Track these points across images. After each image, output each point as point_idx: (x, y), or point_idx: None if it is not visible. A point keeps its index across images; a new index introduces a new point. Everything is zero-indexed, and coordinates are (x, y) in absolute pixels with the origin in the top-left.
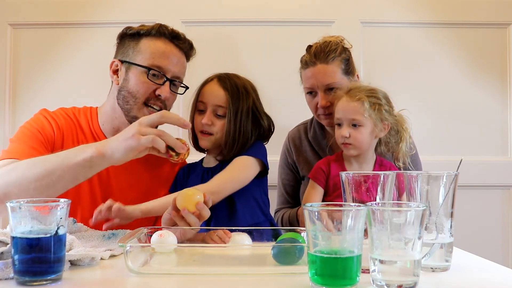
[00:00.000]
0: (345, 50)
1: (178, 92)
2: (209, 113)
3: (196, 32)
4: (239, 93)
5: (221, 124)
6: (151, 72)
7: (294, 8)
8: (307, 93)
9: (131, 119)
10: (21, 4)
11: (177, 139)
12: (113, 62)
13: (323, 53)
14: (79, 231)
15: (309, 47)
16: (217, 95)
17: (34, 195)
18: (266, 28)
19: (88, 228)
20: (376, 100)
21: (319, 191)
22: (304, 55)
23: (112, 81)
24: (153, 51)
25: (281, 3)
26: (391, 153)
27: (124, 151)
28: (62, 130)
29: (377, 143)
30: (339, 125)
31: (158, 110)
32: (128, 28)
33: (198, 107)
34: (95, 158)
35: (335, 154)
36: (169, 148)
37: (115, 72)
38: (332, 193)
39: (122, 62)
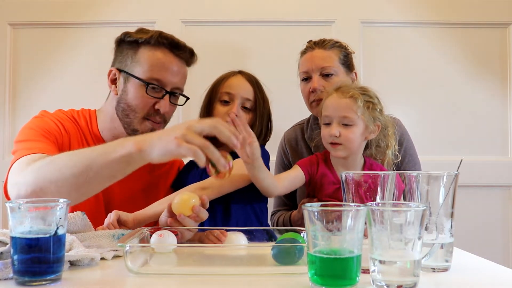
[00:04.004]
0: (346, 48)
1: (178, 104)
2: (237, 105)
3: (196, 32)
4: (263, 91)
5: (246, 118)
6: (150, 86)
7: (294, 8)
8: (302, 79)
9: (131, 132)
10: (21, 4)
11: (222, 153)
12: (111, 70)
13: (322, 41)
14: (89, 229)
15: (310, 40)
16: (245, 88)
17: (71, 192)
18: (265, 28)
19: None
20: (369, 99)
21: (299, 176)
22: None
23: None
24: (151, 63)
25: (281, 3)
26: (379, 159)
27: (162, 151)
28: (69, 133)
29: (365, 147)
30: (327, 124)
31: (158, 123)
32: (126, 34)
33: (221, 98)
34: (134, 154)
35: (323, 153)
36: (210, 162)
37: (113, 81)
38: (323, 193)
39: (120, 71)
